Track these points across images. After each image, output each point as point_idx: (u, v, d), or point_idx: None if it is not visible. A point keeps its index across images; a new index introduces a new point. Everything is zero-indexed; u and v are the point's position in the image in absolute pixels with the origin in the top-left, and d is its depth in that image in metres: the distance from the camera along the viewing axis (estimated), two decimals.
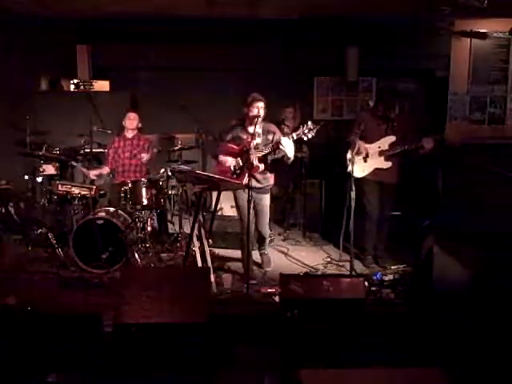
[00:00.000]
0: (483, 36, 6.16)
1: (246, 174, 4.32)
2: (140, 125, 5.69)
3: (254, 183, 4.46)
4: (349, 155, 4.90)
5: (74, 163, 5.64)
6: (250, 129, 4.45)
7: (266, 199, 4.71)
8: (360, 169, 4.85)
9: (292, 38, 6.71)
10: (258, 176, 4.53)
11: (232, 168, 4.53)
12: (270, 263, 4.98)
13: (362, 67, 6.80)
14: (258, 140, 4.47)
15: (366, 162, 4.90)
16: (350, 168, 4.77)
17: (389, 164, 4.87)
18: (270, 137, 4.51)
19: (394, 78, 6.74)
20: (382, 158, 4.88)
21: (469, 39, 6.20)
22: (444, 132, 4.79)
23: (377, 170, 4.90)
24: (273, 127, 4.63)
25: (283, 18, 6.44)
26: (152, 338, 3.19)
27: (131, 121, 5.59)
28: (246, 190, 4.30)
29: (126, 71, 7.01)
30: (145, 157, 5.52)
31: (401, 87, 6.81)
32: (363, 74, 6.94)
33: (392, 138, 4.85)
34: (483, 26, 6.16)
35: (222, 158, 4.62)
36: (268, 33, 6.63)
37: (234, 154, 4.55)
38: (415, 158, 4.85)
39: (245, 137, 4.51)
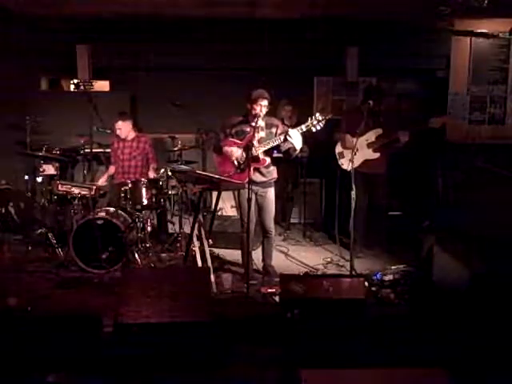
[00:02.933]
0: (483, 36, 6.16)
1: (252, 168, 4.30)
2: (131, 127, 5.66)
3: (258, 176, 4.46)
4: (337, 149, 5.29)
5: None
6: (254, 123, 4.42)
7: (271, 193, 4.64)
8: (349, 161, 4.91)
9: (292, 38, 6.70)
10: (262, 169, 4.51)
11: (236, 163, 4.51)
12: (277, 275, 4.65)
13: (362, 67, 6.80)
14: (261, 134, 4.45)
15: (355, 155, 4.95)
16: (341, 161, 5.24)
17: (377, 155, 5.13)
18: (274, 130, 4.49)
19: (393, 78, 6.75)
20: (371, 149, 5.13)
21: (469, 39, 6.20)
22: (425, 124, 4.93)
23: (365, 162, 5.11)
24: (276, 121, 4.61)
25: (283, 18, 6.44)
26: (152, 338, 3.19)
27: (120, 130, 5.58)
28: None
29: (125, 71, 7.01)
30: (151, 174, 5.50)
31: (401, 87, 6.84)
32: (363, 74, 6.93)
33: (379, 131, 5.10)
34: (483, 26, 6.15)
35: (226, 148, 4.52)
36: (268, 33, 6.63)
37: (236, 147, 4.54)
38: (395, 150, 5.09)
39: (248, 130, 4.48)
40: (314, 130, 4.29)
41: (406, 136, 4.91)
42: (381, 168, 5.17)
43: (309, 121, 4.28)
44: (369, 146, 5.12)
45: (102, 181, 5.61)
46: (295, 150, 4.38)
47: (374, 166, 5.12)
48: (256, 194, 4.49)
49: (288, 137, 4.28)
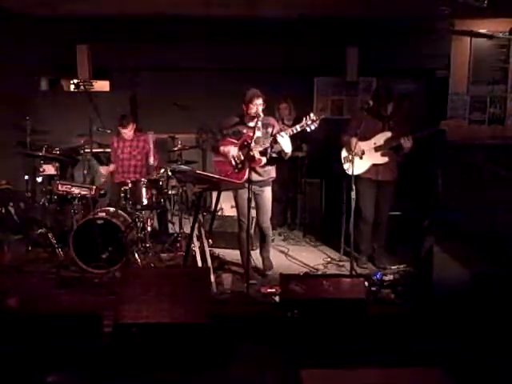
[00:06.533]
0: (483, 36, 6.16)
1: (248, 169, 4.33)
2: (134, 126, 5.67)
3: (255, 176, 4.45)
4: (343, 154, 5.02)
5: (91, 158, 5.63)
6: (250, 123, 4.44)
7: (268, 192, 4.65)
8: (356, 166, 4.78)
9: (292, 38, 6.70)
10: (259, 169, 4.50)
11: (234, 163, 4.51)
12: (272, 267, 4.82)
13: (362, 67, 6.80)
14: (258, 133, 4.43)
15: (361, 159, 4.87)
16: (345, 166, 4.94)
17: (385, 159, 4.87)
18: (270, 130, 4.48)
19: (394, 78, 6.75)
20: (379, 153, 4.88)
21: (469, 39, 6.20)
22: (436, 127, 4.79)
23: (374, 167, 4.90)
24: (272, 120, 4.60)
25: (283, 18, 6.44)
26: (152, 338, 3.19)
27: (126, 134, 5.60)
28: (246, 188, 4.33)
29: (125, 71, 7.01)
30: (151, 160, 5.48)
31: (401, 87, 6.83)
32: (363, 74, 6.93)
33: (387, 134, 4.85)
34: (483, 26, 6.15)
35: (222, 148, 4.56)
36: (268, 33, 6.63)
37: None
38: (401, 155, 4.87)
39: (245, 131, 4.50)
40: (308, 129, 4.27)
41: (409, 142, 4.67)
42: (389, 175, 4.92)
43: (303, 121, 4.28)
44: (376, 149, 4.86)
45: (106, 168, 5.64)
46: (286, 153, 4.40)
47: (382, 172, 4.88)
48: (253, 192, 4.50)
49: (276, 140, 4.29)
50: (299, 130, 4.30)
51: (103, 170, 5.71)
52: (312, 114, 4.27)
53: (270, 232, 4.84)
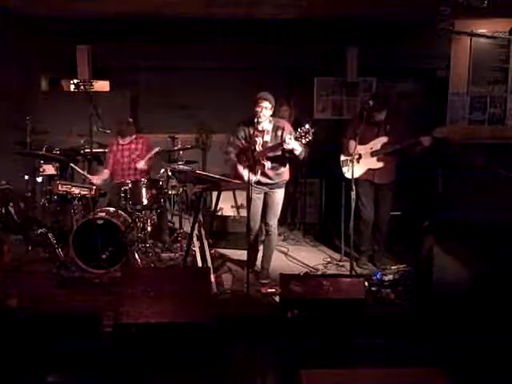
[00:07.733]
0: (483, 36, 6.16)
1: (259, 171, 4.35)
2: (133, 136, 5.67)
3: (265, 180, 4.45)
4: (342, 157, 5.05)
5: (72, 165, 5.55)
6: (258, 126, 4.39)
7: (279, 194, 4.59)
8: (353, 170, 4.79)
9: (292, 38, 6.70)
10: (270, 173, 4.46)
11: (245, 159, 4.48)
12: (268, 279, 4.65)
13: (362, 67, 6.79)
14: (266, 137, 4.41)
15: (358, 163, 4.88)
16: (344, 169, 4.99)
17: (380, 164, 4.91)
18: (279, 133, 4.40)
19: (393, 78, 6.75)
20: (375, 158, 4.91)
21: (469, 39, 6.19)
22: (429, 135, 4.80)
23: (369, 171, 4.94)
24: (282, 123, 4.52)
25: (283, 18, 6.44)
26: (152, 338, 3.19)
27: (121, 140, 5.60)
28: (256, 188, 4.35)
29: (125, 71, 7.01)
30: (141, 163, 5.43)
31: (401, 87, 6.83)
32: (363, 74, 6.93)
33: (384, 139, 4.88)
34: (483, 26, 6.15)
35: (239, 170, 4.51)
36: (268, 33, 6.63)
37: (243, 151, 4.50)
38: (412, 156, 4.85)
39: (253, 133, 4.45)
40: (303, 141, 4.16)
41: (429, 141, 4.66)
42: (385, 178, 4.95)
43: (297, 132, 4.17)
44: (373, 154, 4.90)
45: (95, 178, 5.49)
46: (300, 153, 4.32)
47: (377, 175, 4.92)
48: (265, 193, 4.52)
49: (285, 144, 4.22)
50: (293, 139, 4.18)
51: (93, 179, 5.44)
52: (307, 126, 4.13)
53: (275, 234, 4.72)
